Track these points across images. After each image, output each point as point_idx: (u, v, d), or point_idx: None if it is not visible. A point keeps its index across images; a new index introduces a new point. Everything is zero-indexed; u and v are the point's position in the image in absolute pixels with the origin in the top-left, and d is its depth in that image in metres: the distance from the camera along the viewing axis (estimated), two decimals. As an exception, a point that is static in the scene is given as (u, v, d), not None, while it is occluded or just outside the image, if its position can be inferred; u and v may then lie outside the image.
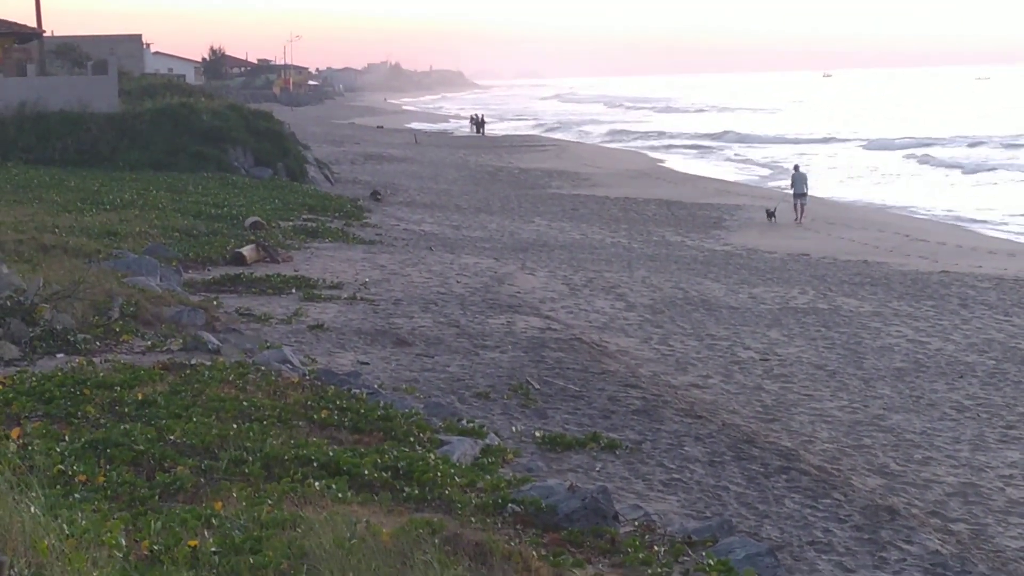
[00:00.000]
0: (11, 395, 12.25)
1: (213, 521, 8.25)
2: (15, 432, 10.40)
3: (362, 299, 24.00)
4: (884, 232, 45.45)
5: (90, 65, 60.18)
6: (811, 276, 33.60)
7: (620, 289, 28.93)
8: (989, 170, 77.31)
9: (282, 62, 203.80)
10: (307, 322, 21.04)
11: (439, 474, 10.74)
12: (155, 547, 7.31)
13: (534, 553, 8.65)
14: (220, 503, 8.90)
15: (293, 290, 24.13)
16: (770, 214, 48.29)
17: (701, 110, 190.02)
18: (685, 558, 9.76)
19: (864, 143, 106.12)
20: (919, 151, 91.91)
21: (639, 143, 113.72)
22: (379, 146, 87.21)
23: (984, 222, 52.16)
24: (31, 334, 16.07)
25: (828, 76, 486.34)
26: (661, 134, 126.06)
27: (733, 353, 22.34)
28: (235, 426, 11.56)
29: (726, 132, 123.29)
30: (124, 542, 7.02)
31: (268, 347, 17.51)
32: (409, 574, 6.97)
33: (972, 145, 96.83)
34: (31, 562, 5.61)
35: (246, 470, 10.18)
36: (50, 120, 45.87)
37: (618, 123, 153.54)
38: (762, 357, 22.07)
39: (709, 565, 9.49)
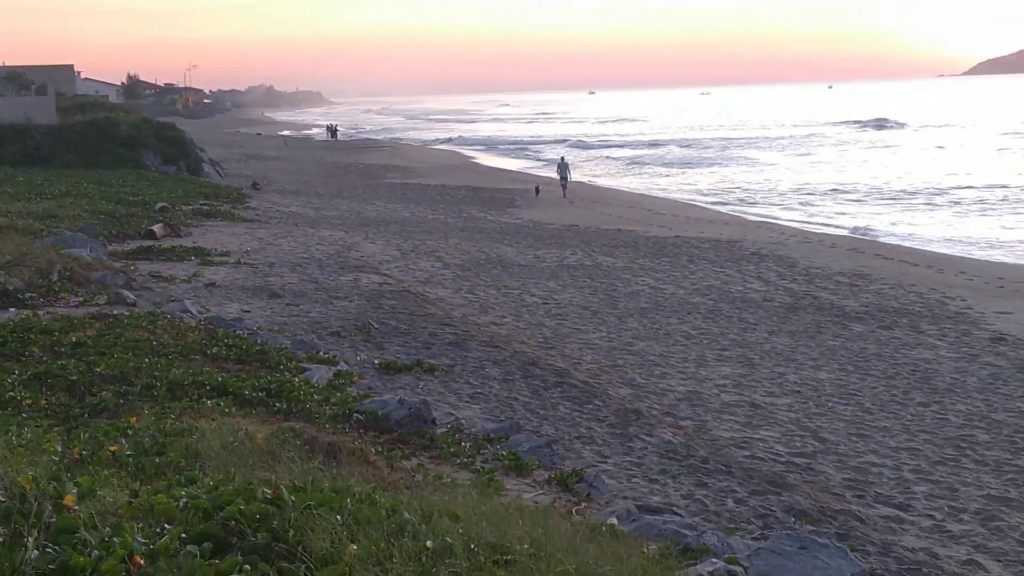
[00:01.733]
0: None
1: (129, 432, 9.45)
2: None
3: (244, 263, 26.65)
4: (633, 208, 50.65)
5: (33, 88, 66.58)
6: (580, 241, 36.59)
7: (438, 253, 31.77)
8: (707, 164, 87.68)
9: (183, 85, 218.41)
10: (203, 281, 23.30)
11: (302, 393, 12.37)
12: (83, 452, 8.31)
13: (372, 450, 10.13)
14: (135, 418, 10.15)
15: (192, 257, 26.67)
16: (538, 189, 57.40)
17: (524, 120, 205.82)
18: (485, 450, 11.87)
19: (624, 145, 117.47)
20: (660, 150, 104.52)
21: (450, 146, 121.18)
22: (258, 148, 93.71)
23: (704, 200, 59.37)
24: None
25: (706, 93, 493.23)
26: (480, 138, 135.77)
27: (522, 299, 24.56)
28: (147, 360, 13.11)
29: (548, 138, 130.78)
30: (60, 449, 8.05)
31: (172, 300, 19.45)
32: (277, 468, 7.64)
33: (684, 146, 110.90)
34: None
35: (155, 393, 11.68)
36: (1, 131, 50.27)
37: (444, 130, 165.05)
38: (543, 301, 24.33)
39: (503, 455, 11.45)
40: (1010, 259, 37.17)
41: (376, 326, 19.97)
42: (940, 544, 10.92)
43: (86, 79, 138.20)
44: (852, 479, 12.87)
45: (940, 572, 10.12)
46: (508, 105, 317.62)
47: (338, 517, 5.59)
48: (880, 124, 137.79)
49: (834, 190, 63.40)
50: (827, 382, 17.66)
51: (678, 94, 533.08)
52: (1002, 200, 55.59)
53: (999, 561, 10.55)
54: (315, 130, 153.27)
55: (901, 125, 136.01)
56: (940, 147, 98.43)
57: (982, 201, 55.37)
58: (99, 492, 5.69)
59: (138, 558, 4.52)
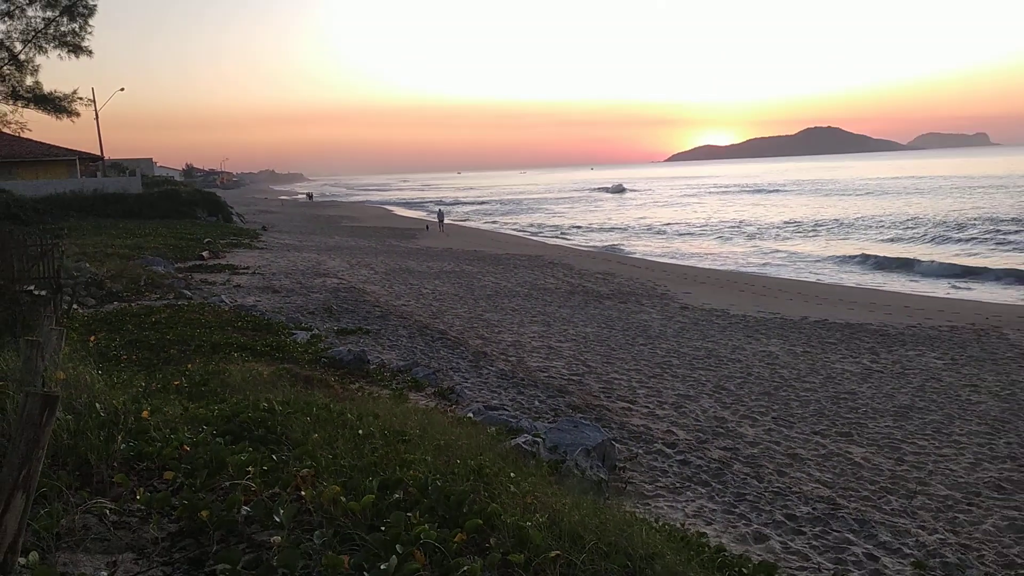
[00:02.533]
0: (91, 322, 13.38)
1: (186, 373, 9.14)
2: (92, 338, 10.83)
3: (257, 273, 25.70)
4: (481, 238, 50.47)
5: (127, 171, 66.44)
6: (452, 257, 35.84)
7: (371, 265, 30.87)
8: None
9: (220, 169, 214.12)
10: (232, 284, 22.43)
11: (291, 347, 12.25)
12: (158, 386, 7.98)
13: (332, 379, 10.11)
14: (190, 365, 9.95)
15: (226, 270, 25.78)
16: (427, 227, 57.44)
17: (417, 189, 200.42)
18: (398, 377, 11.83)
19: (475, 202, 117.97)
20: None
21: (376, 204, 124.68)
22: (265, 207, 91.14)
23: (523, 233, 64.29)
24: (100, 294, 16.89)
25: (523, 173, 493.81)
26: (394, 199, 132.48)
27: (419, 291, 24.01)
28: (198, 330, 12.78)
29: (432, 199, 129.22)
30: (143, 384, 7.74)
31: (214, 296, 18.85)
32: (275, 391, 7.64)
33: (505, 203, 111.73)
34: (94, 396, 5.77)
35: (203, 350, 11.37)
36: (108, 197, 48.72)
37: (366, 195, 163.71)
38: (431, 292, 23.82)
39: (408, 380, 11.59)
40: (686, 263, 38.18)
41: (335, 308, 19.55)
42: (652, 422, 11.12)
43: (160, 166, 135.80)
44: (604, 387, 13.03)
45: (651, 437, 10.32)
46: (407, 181, 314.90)
47: (307, 418, 5.51)
48: (619, 188, 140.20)
49: (594, 225, 64.48)
50: (590, 334, 17.85)
51: (507, 173, 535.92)
52: (685, 232, 56.98)
53: (684, 430, 10.79)
54: (299, 195, 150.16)
55: (631, 190, 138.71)
56: (647, 203, 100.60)
57: (679, 232, 56.73)
58: (164, 408, 5.52)
59: (185, 447, 4.39)
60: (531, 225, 68.30)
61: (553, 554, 3.28)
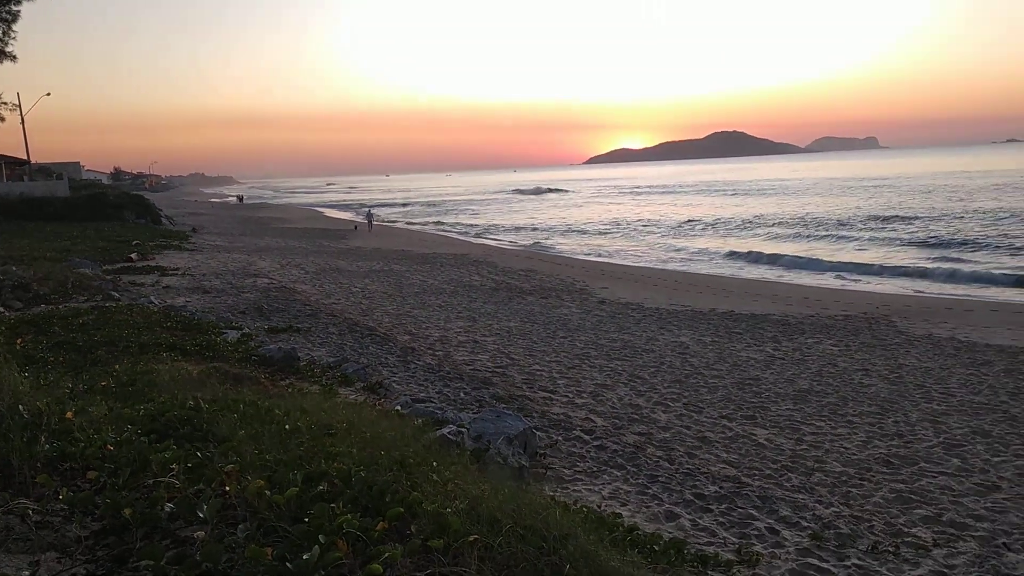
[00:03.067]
0: (18, 324, 12.45)
1: (114, 374, 8.69)
2: (19, 341, 10.47)
3: (187, 275, 25.13)
4: (409, 238, 49.87)
5: (54, 175, 63.48)
6: (381, 257, 35.46)
7: (302, 266, 30.35)
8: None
9: (148, 172, 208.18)
10: (161, 285, 21.95)
11: (221, 346, 11.92)
12: (85, 387, 7.60)
13: (262, 376, 9.91)
14: (118, 366, 9.39)
15: (155, 272, 25.09)
16: (356, 227, 56.76)
17: (344, 191, 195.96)
18: (327, 373, 11.63)
19: (402, 203, 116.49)
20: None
21: (305, 206, 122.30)
22: (195, 209, 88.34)
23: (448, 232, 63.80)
24: (27, 296, 16.07)
25: (449, 175, 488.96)
26: (324, 201, 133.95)
27: (349, 289, 23.71)
28: (126, 331, 12.06)
29: (361, 201, 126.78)
30: (70, 385, 7.36)
31: (143, 297, 18.27)
32: (203, 390, 7.37)
33: (429, 204, 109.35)
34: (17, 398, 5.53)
35: (131, 350, 10.70)
36: (35, 201, 47.38)
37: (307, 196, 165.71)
38: (361, 290, 23.54)
39: (338, 375, 11.46)
40: (603, 260, 38.62)
41: (266, 307, 19.18)
42: (571, 410, 11.21)
43: (88, 170, 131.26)
44: (526, 379, 13.08)
45: (570, 424, 10.40)
46: (332, 184, 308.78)
47: (234, 415, 5.37)
48: (539, 190, 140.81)
49: (517, 225, 64.62)
50: (514, 328, 17.90)
51: (434, 175, 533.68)
52: (602, 232, 57.60)
53: (601, 417, 10.91)
54: (229, 198, 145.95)
55: (551, 191, 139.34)
56: (567, 204, 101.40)
57: (597, 231, 57.29)
58: (90, 409, 5.31)
59: (109, 446, 4.24)
60: (457, 225, 68.10)
61: (472, 538, 3.27)
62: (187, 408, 5.29)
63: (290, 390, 9.26)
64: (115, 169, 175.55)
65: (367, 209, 70.93)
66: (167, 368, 8.90)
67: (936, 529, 7.25)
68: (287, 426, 5.25)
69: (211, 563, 3.01)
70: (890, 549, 6.73)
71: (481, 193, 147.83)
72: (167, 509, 3.52)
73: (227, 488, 3.64)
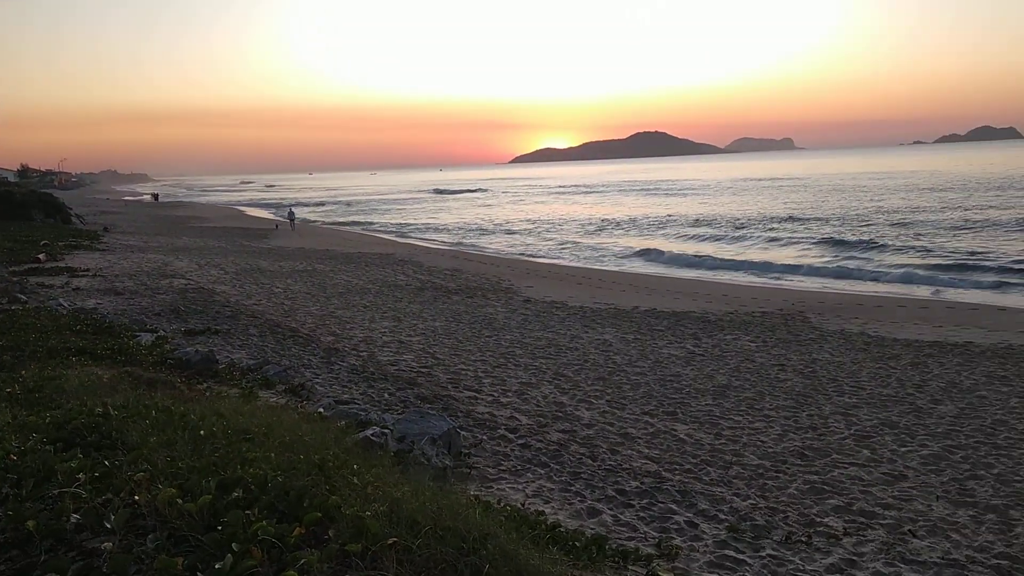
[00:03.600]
0: None
1: (20, 380, 8.17)
2: None
3: (98, 276, 24.30)
4: (334, 237, 49.48)
5: None
6: (303, 256, 35.04)
7: (221, 266, 29.78)
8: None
9: (58, 170, 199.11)
10: (71, 287, 21.09)
11: (134, 350, 11.44)
12: None
13: (179, 380, 9.53)
14: (24, 372, 8.88)
15: (64, 273, 24.15)
16: (277, 226, 55.89)
17: (262, 190, 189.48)
18: (248, 376, 11.45)
19: (321, 203, 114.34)
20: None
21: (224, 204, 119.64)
22: (108, 207, 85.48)
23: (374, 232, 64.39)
24: None
25: (374, 174, 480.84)
26: (243, 199, 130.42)
27: (271, 290, 23.28)
28: (34, 335, 11.67)
29: (281, 199, 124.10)
30: None
31: (51, 299, 17.43)
32: (116, 395, 7.09)
33: (348, 204, 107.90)
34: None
35: (39, 355, 10.35)
36: None
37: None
38: (283, 291, 23.16)
39: (258, 378, 11.24)
40: (529, 258, 38.83)
41: (183, 308, 18.66)
42: (496, 409, 11.22)
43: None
44: (452, 378, 13.05)
45: (495, 423, 10.42)
46: (252, 182, 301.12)
47: (146, 421, 5.21)
48: (468, 190, 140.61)
49: (443, 224, 64.41)
50: (439, 328, 17.84)
51: (358, 174, 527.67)
52: (527, 231, 57.90)
53: (526, 415, 10.95)
54: (144, 196, 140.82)
55: (478, 190, 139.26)
56: (493, 203, 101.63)
57: (523, 230, 57.53)
58: (-9, 417, 5.09)
59: (12, 456, 4.05)
60: (383, 224, 67.50)
61: (390, 541, 3.24)
62: (95, 415, 5.09)
63: (207, 394, 9.01)
64: (22, 166, 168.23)
65: (289, 208, 69.40)
66: (76, 373, 8.56)
67: (847, 518, 7.52)
68: (202, 431, 5.11)
69: (119, 574, 2.92)
70: (803, 539, 6.95)
71: (408, 192, 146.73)
72: (73, 520, 3.39)
73: (137, 497, 3.53)
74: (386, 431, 8.04)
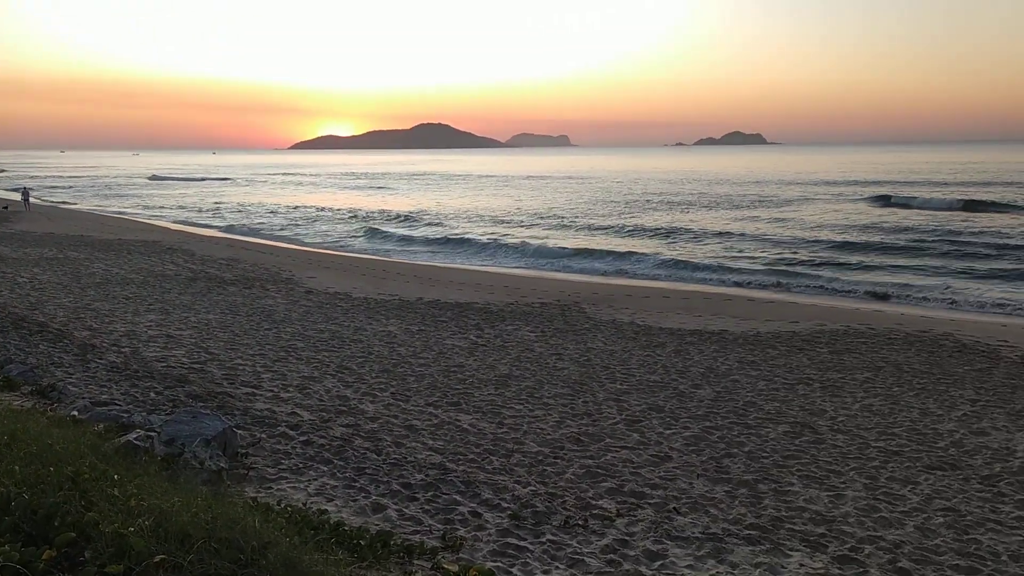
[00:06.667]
0: None
1: None
2: None
3: None
4: (89, 222, 46.63)
5: None
6: (55, 243, 32.29)
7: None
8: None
9: None
10: None
11: None
12: None
13: None
14: None
15: None
16: (8, 207, 49.80)
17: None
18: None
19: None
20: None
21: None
22: None
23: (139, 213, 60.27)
24: None
25: (136, 154, 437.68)
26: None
27: (14, 280, 21.11)
28: None
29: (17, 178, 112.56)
30: None
31: None
32: None
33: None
34: None
35: None
36: None
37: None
38: (29, 280, 21.02)
39: (0, 379, 10.07)
40: (311, 248, 37.79)
41: None
42: (276, 405, 10.79)
43: None
44: (227, 374, 12.39)
45: (275, 420, 10.00)
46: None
47: None
48: (245, 178, 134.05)
49: (219, 209, 60.99)
50: (214, 321, 16.90)
51: (119, 153, 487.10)
52: (311, 218, 56.29)
53: (308, 411, 10.61)
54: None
55: (256, 175, 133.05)
56: (272, 189, 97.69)
57: (306, 218, 55.73)
58: None
59: None
60: (146, 208, 62.88)
61: (157, 559, 3.00)
62: None
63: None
64: None
65: (23, 187, 60.84)
66: None
67: (619, 500, 7.96)
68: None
69: None
70: (580, 523, 7.27)
71: (176, 174, 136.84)
72: None
73: None
74: (152, 434, 7.48)
